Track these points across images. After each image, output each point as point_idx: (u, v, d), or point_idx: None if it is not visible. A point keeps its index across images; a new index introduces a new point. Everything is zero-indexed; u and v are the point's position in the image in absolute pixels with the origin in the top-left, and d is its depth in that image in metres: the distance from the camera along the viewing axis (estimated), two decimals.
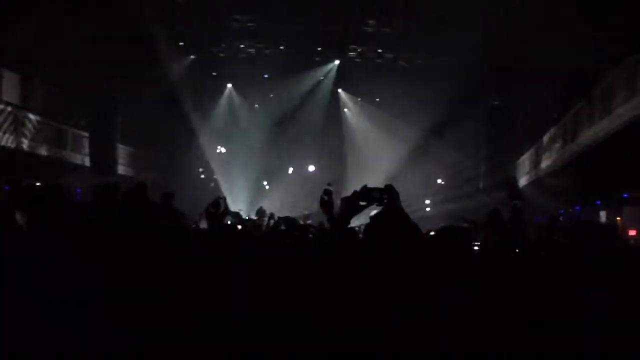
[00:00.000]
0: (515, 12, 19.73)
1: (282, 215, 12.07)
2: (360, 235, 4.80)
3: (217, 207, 7.42)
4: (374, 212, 3.88)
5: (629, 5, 15.71)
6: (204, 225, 9.00)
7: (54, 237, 3.83)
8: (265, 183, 34.49)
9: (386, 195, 3.91)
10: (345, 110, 33.40)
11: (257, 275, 3.91)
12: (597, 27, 17.75)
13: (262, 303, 3.52)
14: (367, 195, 3.93)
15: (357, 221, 4.24)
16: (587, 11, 17.65)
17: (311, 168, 34.75)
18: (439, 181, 33.68)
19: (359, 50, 27.64)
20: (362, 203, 3.93)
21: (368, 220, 3.83)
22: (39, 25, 20.96)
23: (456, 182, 30.86)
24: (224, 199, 7.59)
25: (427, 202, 31.88)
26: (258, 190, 33.41)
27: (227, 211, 7.89)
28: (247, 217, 17.80)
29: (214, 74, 29.95)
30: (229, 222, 9.47)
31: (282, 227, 9.02)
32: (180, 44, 26.59)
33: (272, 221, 11.57)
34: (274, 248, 5.83)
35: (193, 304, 3.50)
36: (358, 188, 4.02)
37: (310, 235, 9.33)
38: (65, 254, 3.65)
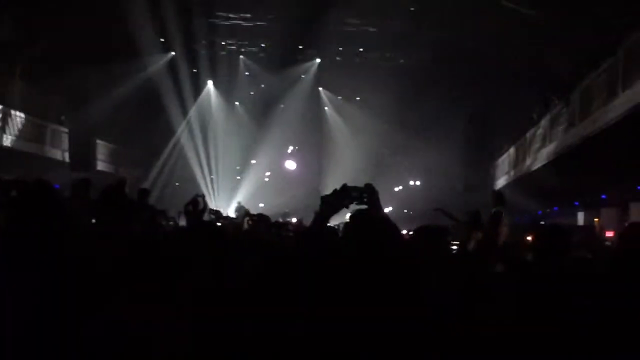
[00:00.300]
0: (495, 14, 19.83)
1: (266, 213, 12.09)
2: (340, 234, 4.81)
3: (196, 205, 7.39)
4: (352, 211, 3.88)
5: (607, 9, 15.82)
6: (183, 222, 8.99)
7: (40, 233, 3.81)
8: (239, 178, 34.42)
9: (366, 194, 3.91)
10: (326, 108, 33.38)
11: (238, 274, 3.90)
12: (576, 30, 17.86)
13: (242, 303, 3.51)
14: (347, 194, 3.92)
15: (337, 220, 4.25)
16: (566, 15, 17.75)
17: (291, 166, 34.76)
18: (414, 183, 33.74)
19: (340, 48, 27.66)
20: (341, 202, 3.93)
21: (347, 219, 3.84)
22: (18, 22, 20.85)
23: (435, 182, 30.88)
24: (203, 196, 7.55)
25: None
26: (238, 188, 33.38)
27: (205, 209, 7.86)
28: (226, 215, 17.77)
29: (195, 70, 29.85)
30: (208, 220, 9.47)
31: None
32: (161, 40, 26.48)
33: (247, 219, 11.54)
34: (254, 246, 5.81)
35: (168, 304, 3.49)
36: (337, 187, 4.01)
37: (290, 234, 9.33)
38: (50, 252, 3.63)
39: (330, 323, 3.14)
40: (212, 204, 24.44)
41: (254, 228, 8.24)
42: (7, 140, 21.13)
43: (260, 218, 8.68)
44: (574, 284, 4.06)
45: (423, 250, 4.43)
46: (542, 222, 14.71)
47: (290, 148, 34.30)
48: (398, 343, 3.08)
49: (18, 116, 21.88)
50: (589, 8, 16.70)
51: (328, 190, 4.01)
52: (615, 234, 19.69)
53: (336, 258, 3.46)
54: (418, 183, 34.25)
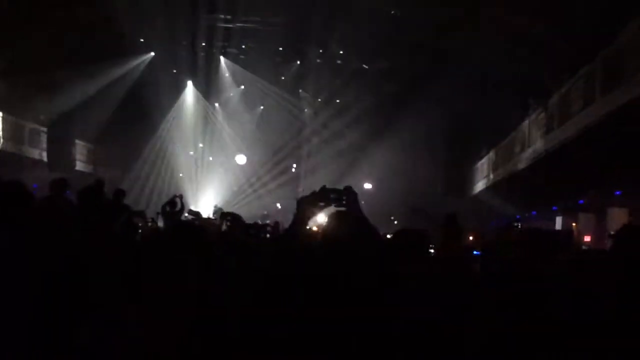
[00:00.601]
0: (475, 19, 19.92)
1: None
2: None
3: (174, 206, 7.38)
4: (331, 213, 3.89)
5: (586, 17, 15.92)
6: (162, 223, 8.95)
7: (15, 234, 3.79)
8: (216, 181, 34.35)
9: (344, 197, 3.92)
10: (306, 110, 33.34)
11: (219, 275, 3.89)
12: (555, 36, 17.98)
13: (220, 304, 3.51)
14: (326, 196, 3.93)
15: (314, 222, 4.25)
16: (546, 21, 17.85)
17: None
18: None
19: (320, 51, 27.66)
20: (320, 204, 3.93)
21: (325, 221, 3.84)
22: None
23: (414, 185, 30.85)
24: (181, 196, 7.54)
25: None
26: (218, 190, 33.32)
27: (183, 209, 7.84)
28: (207, 217, 17.73)
29: (174, 71, 29.78)
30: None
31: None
32: (141, 40, 26.39)
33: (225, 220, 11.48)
34: (232, 247, 5.79)
35: (151, 305, 3.48)
36: (316, 189, 4.02)
37: (268, 235, 9.32)
38: (24, 252, 3.62)
39: (311, 324, 3.15)
40: (193, 206, 24.36)
41: (231, 229, 8.21)
42: None
43: (234, 217, 8.65)
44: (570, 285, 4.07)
45: (403, 254, 4.43)
46: (517, 224, 14.73)
47: (270, 148, 34.09)
48: (373, 344, 3.09)
49: None
50: (569, 16, 16.80)
51: (307, 192, 4.01)
52: (592, 239, 19.83)
53: (313, 259, 3.47)
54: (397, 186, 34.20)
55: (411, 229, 4.94)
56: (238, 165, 33.90)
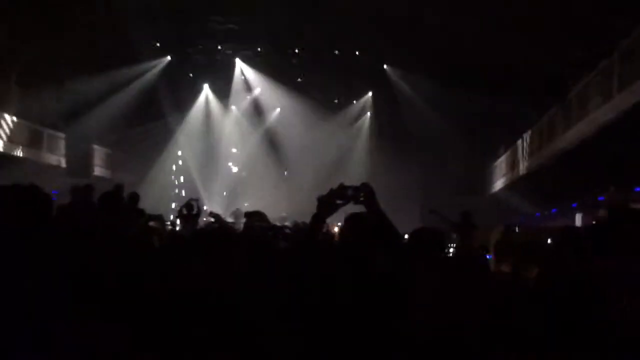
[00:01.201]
0: (491, 16, 19.83)
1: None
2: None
3: (191, 209, 7.39)
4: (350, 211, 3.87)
5: (603, 10, 15.82)
6: (179, 227, 8.97)
7: (35, 239, 3.79)
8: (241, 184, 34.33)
9: (362, 194, 3.89)
10: (323, 112, 33.16)
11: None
12: (572, 31, 17.87)
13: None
14: (343, 193, 3.90)
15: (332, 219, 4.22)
16: (563, 16, 17.76)
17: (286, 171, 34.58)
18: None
19: (335, 52, 27.60)
20: (338, 201, 3.90)
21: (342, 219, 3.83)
22: (14, 27, 20.83)
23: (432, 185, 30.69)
24: (197, 200, 7.56)
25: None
26: (236, 192, 33.33)
27: (200, 213, 7.85)
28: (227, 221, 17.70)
29: (190, 75, 29.84)
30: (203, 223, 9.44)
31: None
32: (157, 45, 26.47)
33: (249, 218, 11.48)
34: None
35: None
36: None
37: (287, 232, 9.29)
38: (45, 257, 3.61)
39: (327, 327, 3.14)
40: (210, 209, 24.36)
41: (248, 224, 8.21)
42: (3, 146, 21.10)
43: (260, 216, 8.63)
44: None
45: (420, 256, 4.40)
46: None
47: (287, 150, 34.01)
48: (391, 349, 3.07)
49: (14, 122, 21.86)
50: (585, 11, 16.70)
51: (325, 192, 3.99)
52: None
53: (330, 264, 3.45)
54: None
55: (428, 228, 4.90)
56: (255, 168, 33.87)
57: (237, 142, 33.39)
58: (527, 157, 22.97)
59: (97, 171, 28.37)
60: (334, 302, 3.24)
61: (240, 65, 29.38)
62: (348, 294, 3.27)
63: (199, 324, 3.37)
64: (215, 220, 10.41)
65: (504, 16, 19.48)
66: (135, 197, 9.83)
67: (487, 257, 6.97)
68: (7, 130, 21.37)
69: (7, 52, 21.63)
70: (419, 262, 3.99)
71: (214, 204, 30.32)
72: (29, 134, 23.07)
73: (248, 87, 31.09)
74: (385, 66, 28.06)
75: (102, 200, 6.13)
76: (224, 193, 33.22)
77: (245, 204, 28.22)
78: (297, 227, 11.39)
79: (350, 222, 3.68)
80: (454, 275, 4.17)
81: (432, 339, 3.30)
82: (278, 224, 14.12)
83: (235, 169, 34.29)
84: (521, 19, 19.15)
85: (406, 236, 4.75)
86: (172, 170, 32.42)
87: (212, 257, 3.69)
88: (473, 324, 3.63)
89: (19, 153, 22.02)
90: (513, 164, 25.36)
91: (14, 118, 21.90)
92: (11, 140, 21.60)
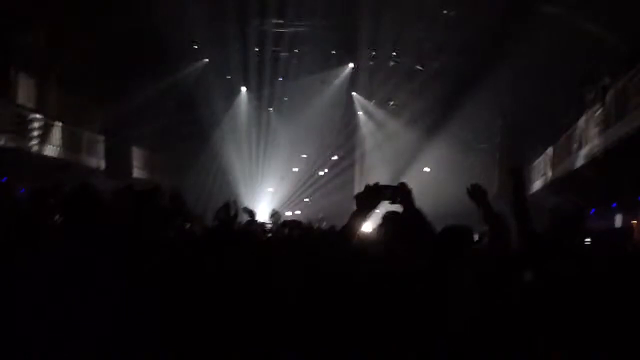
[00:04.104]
0: (529, 15, 19.72)
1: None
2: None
3: (228, 210, 7.41)
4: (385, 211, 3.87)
5: None
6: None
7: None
8: (271, 190, 34.34)
9: (399, 194, 3.89)
10: (360, 113, 33.18)
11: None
12: (612, 30, 17.71)
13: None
14: (380, 193, 3.90)
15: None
16: (601, 14, 17.60)
17: (323, 172, 34.59)
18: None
19: (373, 53, 27.62)
20: (375, 201, 3.90)
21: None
22: (54, 30, 21.07)
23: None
24: (235, 201, 7.56)
25: None
26: (275, 195, 33.44)
27: (238, 214, 7.86)
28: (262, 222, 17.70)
29: (228, 77, 29.98)
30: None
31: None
32: (195, 47, 26.65)
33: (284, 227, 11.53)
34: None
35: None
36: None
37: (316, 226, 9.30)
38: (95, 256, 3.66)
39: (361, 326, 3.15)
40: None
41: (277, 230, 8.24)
42: (44, 149, 21.32)
43: (293, 224, 8.62)
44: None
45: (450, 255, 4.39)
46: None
47: (323, 150, 34.03)
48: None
49: (54, 125, 22.08)
50: (625, 8, 16.54)
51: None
52: None
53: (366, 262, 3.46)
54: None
55: (457, 225, 4.84)
56: (293, 170, 33.93)
57: (275, 144, 33.43)
58: (566, 157, 22.74)
59: (136, 173, 28.61)
60: (370, 299, 3.26)
61: (277, 67, 29.48)
62: (386, 292, 3.28)
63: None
64: (251, 219, 10.40)
65: (545, 17, 19.39)
66: (176, 198, 9.71)
67: None
68: (47, 133, 21.56)
69: (48, 57, 21.89)
70: (451, 260, 3.97)
71: (255, 207, 30.44)
72: (69, 137, 23.27)
73: (285, 88, 31.14)
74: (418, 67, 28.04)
75: (138, 201, 6.15)
76: (264, 194, 33.32)
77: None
78: (332, 230, 11.40)
79: (388, 221, 3.68)
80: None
81: (466, 335, 3.30)
82: (316, 224, 14.11)
83: (274, 171, 34.25)
84: (561, 19, 19.05)
85: None
86: (210, 172, 32.50)
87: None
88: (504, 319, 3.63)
89: (59, 156, 22.21)
90: (552, 164, 25.11)
91: (54, 121, 22.10)
92: (52, 143, 21.80)
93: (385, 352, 3.20)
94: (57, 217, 5.54)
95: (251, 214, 10.36)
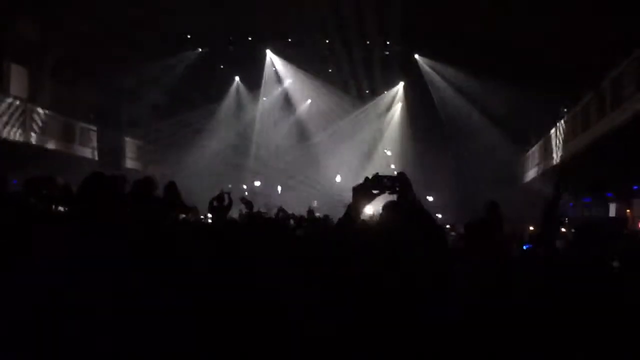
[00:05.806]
0: (526, 3, 19.74)
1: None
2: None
3: (222, 201, 7.39)
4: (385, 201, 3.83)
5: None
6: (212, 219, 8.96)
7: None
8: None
9: (398, 184, 3.85)
10: (354, 102, 33.09)
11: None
12: (606, 18, 17.69)
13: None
14: (379, 183, 3.85)
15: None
16: (597, 3, 17.60)
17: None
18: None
19: (367, 42, 27.59)
20: (374, 191, 3.86)
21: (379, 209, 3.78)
22: (48, 21, 21.02)
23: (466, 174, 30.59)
24: (229, 193, 7.53)
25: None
26: (268, 184, 33.54)
27: (231, 205, 7.84)
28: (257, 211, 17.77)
29: (221, 67, 29.95)
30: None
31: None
32: (188, 36, 26.60)
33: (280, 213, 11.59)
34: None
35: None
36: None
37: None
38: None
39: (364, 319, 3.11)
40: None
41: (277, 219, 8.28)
42: (37, 139, 21.26)
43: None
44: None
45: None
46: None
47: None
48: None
49: (48, 115, 22.02)
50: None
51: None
52: None
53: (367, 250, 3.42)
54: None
55: (477, 220, 4.84)
56: (285, 159, 33.96)
57: (269, 133, 33.45)
58: (560, 146, 22.78)
59: (129, 164, 28.53)
60: (372, 287, 3.22)
61: (270, 56, 29.48)
62: (385, 278, 3.24)
63: None
64: (248, 210, 10.39)
65: (538, 7, 19.40)
66: (170, 188, 9.65)
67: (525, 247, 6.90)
68: (40, 123, 21.51)
69: (41, 46, 21.82)
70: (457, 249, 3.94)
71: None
72: (62, 127, 23.21)
73: (279, 78, 31.16)
74: (416, 56, 28.06)
75: (132, 192, 6.11)
76: (257, 183, 33.37)
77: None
78: (326, 219, 11.40)
79: (389, 209, 3.63)
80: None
81: (466, 323, 3.26)
82: (306, 214, 14.14)
83: (267, 159, 34.26)
84: (557, 6, 19.04)
85: (447, 226, 4.70)
86: (203, 162, 32.48)
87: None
88: (506, 307, 3.61)
89: (51, 145, 22.17)
90: (546, 153, 25.17)
91: (47, 111, 22.05)
92: (45, 133, 21.75)
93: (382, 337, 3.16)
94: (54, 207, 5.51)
95: (249, 204, 10.34)
